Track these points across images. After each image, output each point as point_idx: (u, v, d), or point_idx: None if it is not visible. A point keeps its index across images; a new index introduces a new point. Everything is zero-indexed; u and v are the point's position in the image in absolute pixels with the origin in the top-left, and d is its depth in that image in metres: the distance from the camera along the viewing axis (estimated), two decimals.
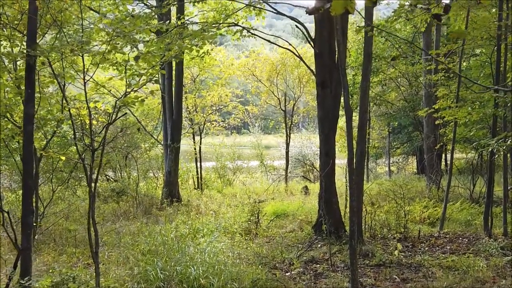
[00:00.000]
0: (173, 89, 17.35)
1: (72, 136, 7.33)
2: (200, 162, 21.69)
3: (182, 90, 18.24)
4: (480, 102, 14.82)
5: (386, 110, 24.84)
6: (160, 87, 18.02)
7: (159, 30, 14.44)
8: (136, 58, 5.95)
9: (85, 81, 6.13)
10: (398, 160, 32.52)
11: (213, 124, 23.31)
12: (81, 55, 6.01)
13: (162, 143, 18.53)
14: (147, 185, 19.04)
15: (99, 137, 6.78)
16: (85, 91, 6.08)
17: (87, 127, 6.61)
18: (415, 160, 30.57)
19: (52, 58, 6.51)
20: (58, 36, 6.74)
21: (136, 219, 13.79)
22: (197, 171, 21.64)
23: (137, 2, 16.58)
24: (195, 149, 22.13)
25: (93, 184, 6.26)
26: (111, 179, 19.62)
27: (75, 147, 8.70)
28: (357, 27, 8.46)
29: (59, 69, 7.06)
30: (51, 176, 12.96)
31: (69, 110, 6.47)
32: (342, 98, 12.44)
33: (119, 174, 19.70)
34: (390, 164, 29.42)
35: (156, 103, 21.46)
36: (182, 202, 16.53)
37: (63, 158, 7.52)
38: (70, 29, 6.97)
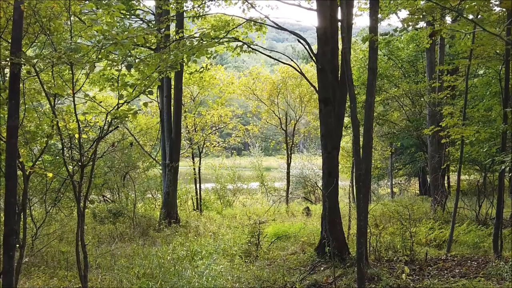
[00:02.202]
0: (172, 107, 17.00)
1: (66, 155, 6.90)
2: (200, 183, 21.29)
3: (181, 108, 17.90)
4: (483, 122, 14.51)
5: (389, 130, 24.49)
6: (159, 106, 17.71)
7: (157, 46, 14.25)
8: (129, 67, 5.58)
9: (74, 92, 5.75)
10: (400, 181, 32.14)
11: (212, 144, 22.91)
12: (68, 63, 5.62)
13: (160, 162, 18.14)
14: (145, 206, 18.63)
15: (90, 152, 6.36)
16: (74, 103, 5.70)
17: (77, 141, 6.19)
18: (418, 182, 30.19)
19: (39, 68, 6.14)
20: (46, 42, 6.38)
21: (133, 240, 13.37)
22: (196, 192, 21.26)
23: (136, 19, 16.33)
24: (194, 169, 21.74)
25: (82, 202, 5.85)
26: (109, 200, 19.23)
27: (70, 165, 8.31)
28: (363, 37, 8.13)
29: (50, 82, 6.72)
30: (44, 196, 12.54)
31: (57, 123, 6.07)
32: (344, 115, 12.13)
33: (117, 194, 19.30)
34: (392, 186, 29.05)
35: (155, 122, 21.13)
36: (181, 224, 16.09)
37: (50, 174, 7.11)
38: (61, 45, 6.57)
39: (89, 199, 19.08)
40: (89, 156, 6.02)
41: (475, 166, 22.02)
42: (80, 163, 5.76)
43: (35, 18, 5.96)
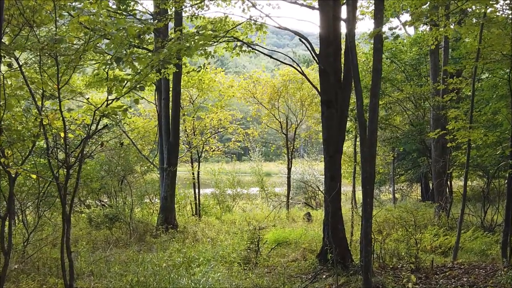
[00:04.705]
0: (170, 110, 16.61)
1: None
2: (199, 188, 20.90)
3: (180, 111, 17.53)
4: (487, 126, 14.14)
5: (392, 135, 24.09)
6: (157, 109, 17.35)
7: (155, 47, 13.88)
8: (118, 60, 5.19)
9: (59, 87, 5.35)
10: (402, 187, 31.75)
11: (212, 148, 22.50)
12: (52, 54, 5.22)
13: (158, 167, 17.74)
14: (142, 211, 18.23)
15: (76, 152, 5.96)
16: (59, 99, 5.31)
17: (63, 140, 5.79)
18: (419, 187, 29.80)
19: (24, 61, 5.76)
20: (29, 35, 5.99)
21: (128, 246, 12.98)
22: (195, 197, 20.87)
23: (132, 18, 15.95)
24: (193, 174, 21.33)
25: (68, 206, 5.45)
26: (106, 205, 18.83)
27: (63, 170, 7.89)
28: (370, 33, 7.77)
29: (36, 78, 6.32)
30: (37, 200, 12.15)
31: (41, 121, 5.67)
32: (347, 118, 11.73)
33: (114, 199, 18.89)
34: (395, 191, 28.64)
35: (153, 126, 20.74)
36: (178, 229, 15.70)
37: (34, 176, 6.73)
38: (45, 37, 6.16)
39: (85, 203, 18.72)
40: (76, 156, 5.62)
41: (478, 172, 21.64)
42: (65, 164, 5.37)
43: (16, 7, 5.56)
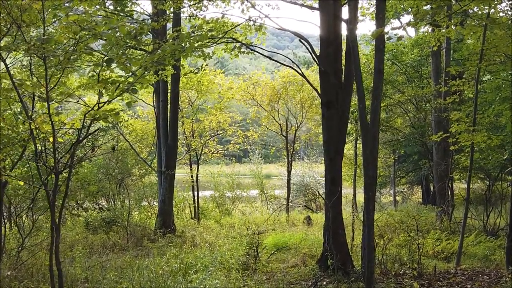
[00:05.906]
0: (169, 112, 16.39)
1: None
2: (197, 190, 20.67)
3: (178, 113, 17.31)
4: (489, 129, 13.93)
5: (393, 137, 23.87)
6: (155, 111, 17.13)
7: (154, 49, 13.65)
8: (109, 61, 4.96)
9: (48, 90, 5.12)
10: (403, 189, 31.53)
11: (211, 150, 22.27)
12: (40, 55, 4.99)
13: (156, 169, 17.51)
14: (140, 215, 18.00)
15: (66, 157, 5.73)
16: (48, 102, 5.07)
17: (51, 145, 5.55)
18: (420, 190, 29.61)
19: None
20: (16, 35, 5.75)
21: (126, 251, 12.75)
22: (194, 200, 20.65)
23: (131, 20, 15.72)
24: (192, 176, 21.10)
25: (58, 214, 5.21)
26: (103, 208, 18.59)
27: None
28: (372, 33, 7.54)
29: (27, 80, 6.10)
30: (31, 204, 11.92)
31: (29, 124, 5.44)
32: (348, 119, 11.50)
33: (112, 202, 18.66)
34: (395, 194, 28.42)
35: (151, 128, 20.52)
36: (177, 233, 15.47)
37: (21, 183, 6.51)
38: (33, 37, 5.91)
39: (83, 207, 18.51)
40: (65, 162, 5.39)
41: (479, 174, 21.43)
42: (54, 170, 5.14)
43: (3, 6, 5.32)
